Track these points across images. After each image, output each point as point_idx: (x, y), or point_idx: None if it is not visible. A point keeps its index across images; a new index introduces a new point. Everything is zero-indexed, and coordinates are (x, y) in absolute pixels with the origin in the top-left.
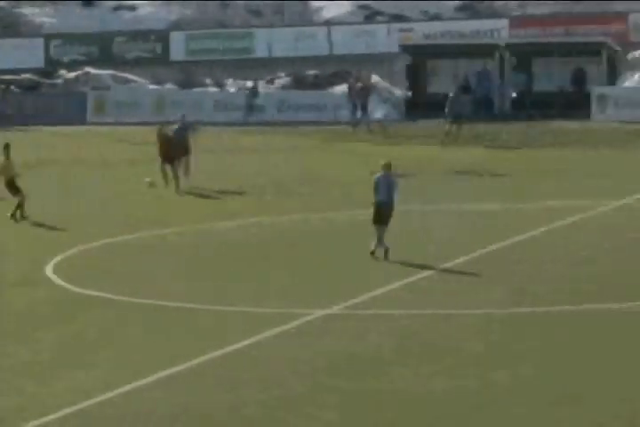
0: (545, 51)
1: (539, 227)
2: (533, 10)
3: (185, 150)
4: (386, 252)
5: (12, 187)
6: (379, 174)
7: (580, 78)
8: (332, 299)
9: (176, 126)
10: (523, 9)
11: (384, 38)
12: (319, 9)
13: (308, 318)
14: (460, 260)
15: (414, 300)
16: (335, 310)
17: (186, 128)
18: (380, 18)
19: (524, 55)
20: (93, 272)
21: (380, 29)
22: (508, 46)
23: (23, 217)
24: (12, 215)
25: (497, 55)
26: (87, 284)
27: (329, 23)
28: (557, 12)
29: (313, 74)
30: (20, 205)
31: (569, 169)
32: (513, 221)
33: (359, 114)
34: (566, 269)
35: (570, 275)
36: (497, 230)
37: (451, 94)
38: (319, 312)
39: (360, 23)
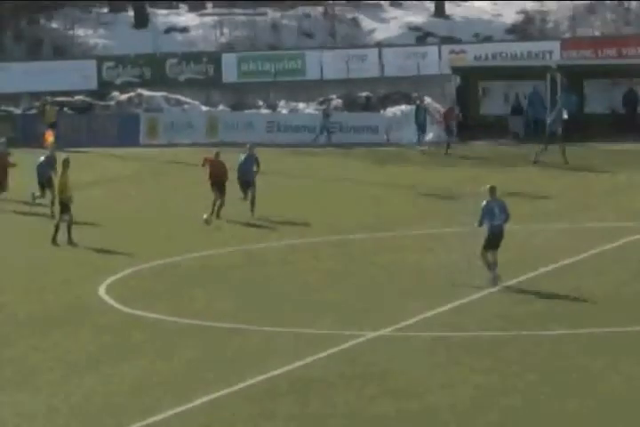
0: (596, 72)
1: (589, 249)
2: (584, 31)
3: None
4: (495, 278)
5: (65, 205)
6: (487, 200)
7: (632, 100)
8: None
9: (243, 156)
10: (573, 30)
11: (435, 60)
12: (371, 31)
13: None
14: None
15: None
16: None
17: (252, 159)
18: (431, 39)
19: (576, 77)
20: (145, 293)
21: (431, 51)
22: (560, 68)
23: (71, 242)
24: (54, 239)
25: (548, 77)
26: (138, 305)
27: (380, 45)
28: (609, 33)
29: (364, 95)
30: (69, 227)
31: (621, 191)
32: (565, 243)
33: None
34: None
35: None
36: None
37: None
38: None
39: (411, 45)
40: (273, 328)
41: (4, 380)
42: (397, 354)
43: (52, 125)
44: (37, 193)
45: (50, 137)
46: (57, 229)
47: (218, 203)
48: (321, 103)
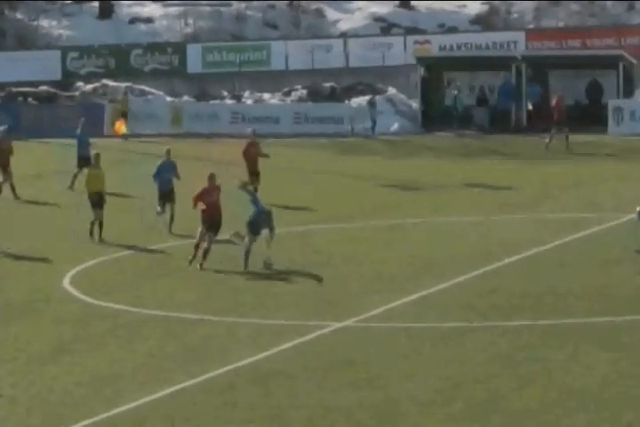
0: (561, 63)
1: (552, 241)
2: (548, 22)
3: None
4: None
5: (99, 201)
6: None
7: (595, 91)
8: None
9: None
10: (538, 22)
11: (400, 51)
12: (335, 22)
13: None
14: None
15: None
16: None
17: (171, 166)
18: (395, 30)
19: (541, 68)
20: (108, 284)
21: (395, 42)
22: (525, 59)
23: (101, 239)
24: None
25: (513, 68)
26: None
27: (345, 35)
28: (573, 25)
29: (329, 86)
30: (100, 224)
31: (582, 182)
32: (528, 234)
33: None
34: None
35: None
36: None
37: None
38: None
39: (376, 35)
40: (235, 319)
41: None
42: (360, 345)
43: (124, 115)
44: (159, 208)
45: (121, 126)
46: (99, 224)
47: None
48: (286, 94)
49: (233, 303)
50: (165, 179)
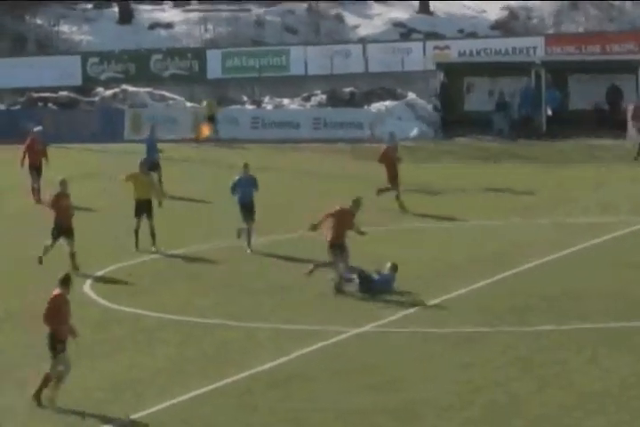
0: (580, 68)
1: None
2: (568, 27)
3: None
4: None
5: (145, 208)
6: None
7: (615, 96)
8: None
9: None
10: (557, 27)
11: (419, 56)
12: (354, 27)
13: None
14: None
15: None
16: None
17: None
18: (415, 35)
19: (560, 73)
20: (128, 289)
21: (415, 47)
22: (544, 64)
23: (155, 248)
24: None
25: (533, 73)
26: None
27: (364, 41)
28: (592, 30)
29: (348, 91)
30: (153, 235)
31: (601, 186)
32: (549, 238)
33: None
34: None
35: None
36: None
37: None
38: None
39: (395, 41)
40: (255, 324)
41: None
42: (379, 349)
43: (211, 118)
44: (243, 225)
45: (205, 130)
46: (152, 234)
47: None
48: (306, 99)
49: (252, 308)
50: (245, 193)
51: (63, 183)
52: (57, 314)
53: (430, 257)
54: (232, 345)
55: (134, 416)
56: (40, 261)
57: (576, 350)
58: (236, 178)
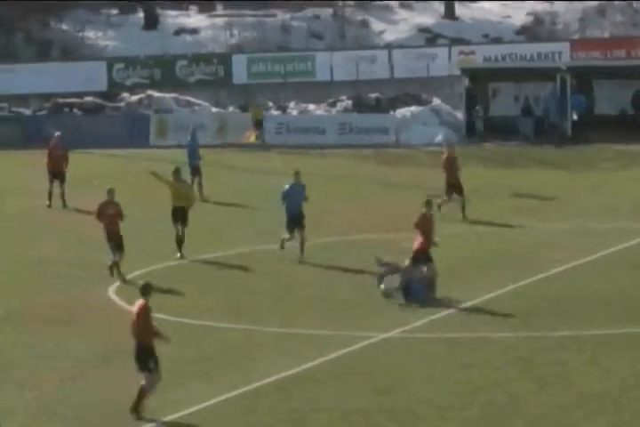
0: (606, 73)
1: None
2: (593, 33)
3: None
4: None
5: (181, 216)
6: None
7: None
8: None
9: None
10: (582, 32)
11: (444, 61)
12: (380, 32)
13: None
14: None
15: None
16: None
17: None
18: (440, 41)
19: (585, 78)
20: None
21: (440, 52)
22: (569, 69)
23: (180, 255)
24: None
25: (558, 78)
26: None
27: (390, 46)
28: (618, 35)
29: (374, 97)
30: (180, 243)
31: (625, 193)
32: (573, 244)
33: None
34: None
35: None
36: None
37: None
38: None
39: (421, 46)
40: (278, 329)
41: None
42: (380, 351)
43: (258, 123)
44: (286, 235)
45: (252, 135)
46: (180, 239)
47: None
48: (331, 104)
49: (253, 309)
50: (295, 202)
51: (110, 192)
52: (147, 324)
53: (451, 262)
54: (233, 347)
55: (133, 417)
56: (111, 273)
57: (576, 351)
58: (286, 187)
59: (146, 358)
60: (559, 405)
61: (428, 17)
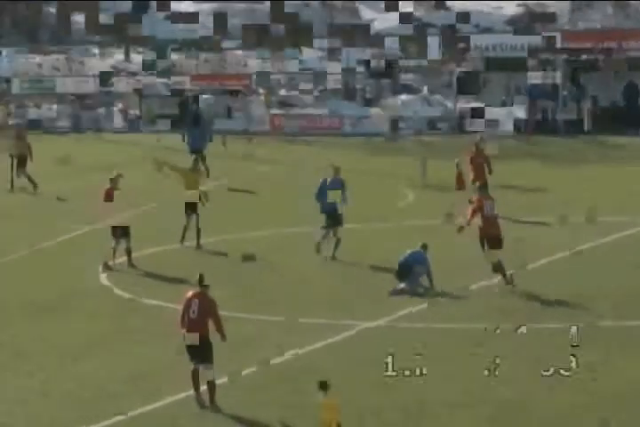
0: (597, 65)
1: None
2: (583, 25)
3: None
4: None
5: (191, 207)
6: None
7: (632, 93)
8: None
9: None
10: (573, 24)
11: (435, 50)
12: (370, 21)
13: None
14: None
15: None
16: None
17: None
18: (430, 30)
19: (576, 70)
20: (145, 280)
21: (430, 42)
22: (560, 60)
23: (199, 246)
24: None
25: (549, 69)
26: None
27: (379, 35)
28: (609, 26)
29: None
30: (199, 234)
31: (615, 185)
32: (561, 237)
33: None
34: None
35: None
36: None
37: None
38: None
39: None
40: (269, 317)
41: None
42: (389, 345)
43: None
44: (322, 234)
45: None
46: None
47: None
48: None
49: (266, 301)
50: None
51: (116, 177)
52: (207, 316)
53: (443, 254)
54: (244, 338)
55: (149, 408)
56: (108, 268)
57: (588, 350)
58: (322, 181)
59: (208, 350)
60: (570, 403)
61: (419, 6)
